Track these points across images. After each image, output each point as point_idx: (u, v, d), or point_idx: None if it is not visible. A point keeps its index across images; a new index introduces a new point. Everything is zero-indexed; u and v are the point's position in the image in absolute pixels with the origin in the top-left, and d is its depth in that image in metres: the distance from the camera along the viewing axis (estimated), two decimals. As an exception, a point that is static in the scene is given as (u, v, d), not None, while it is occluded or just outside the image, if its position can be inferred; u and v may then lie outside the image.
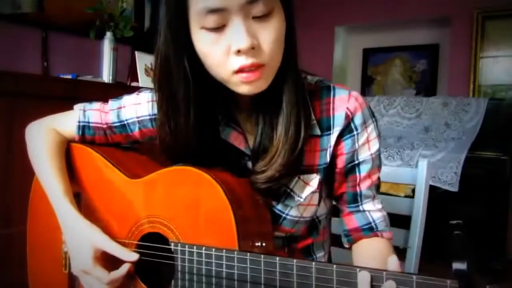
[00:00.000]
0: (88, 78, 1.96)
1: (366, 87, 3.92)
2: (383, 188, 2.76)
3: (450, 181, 2.50)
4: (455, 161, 2.54)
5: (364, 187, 0.78)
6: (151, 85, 2.36)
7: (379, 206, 0.79)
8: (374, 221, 0.78)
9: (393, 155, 2.74)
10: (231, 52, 0.63)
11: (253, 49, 0.62)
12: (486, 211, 2.51)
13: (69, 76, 1.88)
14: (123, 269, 0.71)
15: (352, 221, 0.79)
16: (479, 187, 2.55)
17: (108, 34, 2.08)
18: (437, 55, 3.59)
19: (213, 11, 0.61)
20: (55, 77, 1.97)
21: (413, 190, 1.07)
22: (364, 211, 0.78)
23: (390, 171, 1.16)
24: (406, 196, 1.97)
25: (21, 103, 1.50)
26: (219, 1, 0.60)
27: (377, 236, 0.77)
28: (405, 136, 2.93)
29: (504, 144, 2.58)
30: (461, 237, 0.47)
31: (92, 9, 2.04)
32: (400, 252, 1.09)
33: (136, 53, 2.27)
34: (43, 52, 2.09)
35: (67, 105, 0.96)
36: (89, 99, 0.91)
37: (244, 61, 0.62)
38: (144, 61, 2.28)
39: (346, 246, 0.81)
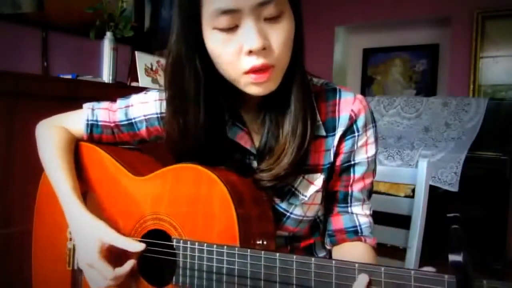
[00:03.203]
0: (88, 78, 1.96)
1: (366, 87, 3.93)
2: (383, 188, 2.76)
3: (450, 181, 2.50)
4: (455, 161, 2.54)
5: (356, 188, 0.79)
6: (151, 85, 2.36)
7: (367, 212, 0.80)
8: (360, 225, 0.79)
9: (393, 155, 2.74)
10: (243, 52, 0.64)
11: (264, 50, 0.63)
12: (486, 211, 2.51)
13: (69, 76, 1.87)
14: (127, 266, 0.72)
15: (339, 221, 0.80)
16: (479, 187, 2.55)
17: (108, 34, 2.08)
18: (437, 55, 3.59)
19: (226, 12, 0.62)
20: (55, 77, 1.97)
21: (413, 190, 1.08)
22: (352, 213, 0.79)
23: (390, 171, 1.16)
24: (406, 196, 1.98)
25: (21, 103, 1.50)
26: (232, 3, 0.61)
27: (360, 240, 0.78)
28: (405, 136, 2.93)
29: (504, 144, 2.58)
30: (458, 230, 0.47)
31: (92, 9, 2.04)
32: (400, 252, 1.09)
33: (136, 53, 2.27)
34: (43, 52, 2.09)
35: (67, 105, 0.96)
36: (89, 99, 0.91)
37: (255, 61, 0.63)
38: (144, 61, 2.28)
39: (328, 247, 0.82)
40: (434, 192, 2.09)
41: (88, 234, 0.74)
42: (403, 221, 1.09)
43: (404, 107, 3.05)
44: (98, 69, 2.12)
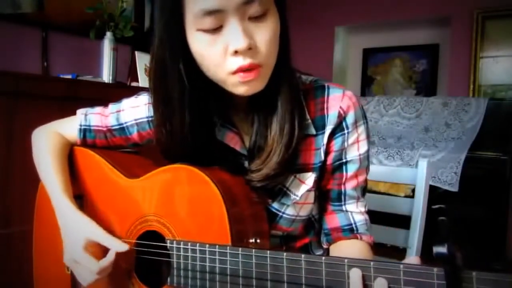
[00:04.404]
0: (88, 78, 1.96)
1: (366, 87, 3.92)
2: (383, 188, 2.76)
3: (450, 181, 2.50)
4: (455, 161, 2.54)
5: (349, 186, 0.78)
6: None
7: (362, 209, 0.80)
8: (355, 223, 0.78)
9: (393, 155, 2.74)
10: (228, 53, 0.63)
11: (250, 50, 0.63)
12: (486, 211, 2.51)
13: (69, 76, 1.88)
14: (111, 255, 0.71)
15: (334, 220, 0.79)
16: (479, 187, 2.55)
17: (108, 34, 2.08)
18: (437, 55, 3.59)
19: (210, 12, 0.61)
20: (55, 77, 1.97)
21: (413, 190, 1.08)
22: (346, 211, 0.79)
23: (390, 171, 1.16)
24: (406, 196, 1.97)
25: (21, 103, 1.51)
26: (216, 3, 0.60)
27: (356, 238, 0.78)
28: (405, 136, 2.93)
29: (504, 144, 2.57)
30: (446, 222, 0.46)
31: (92, 9, 2.04)
32: (400, 252, 1.09)
33: (136, 53, 2.28)
34: (43, 52, 2.09)
35: (67, 105, 0.97)
36: (89, 99, 0.92)
37: (242, 61, 0.63)
38: (144, 61, 2.28)
39: (325, 246, 0.82)
40: (434, 192, 2.09)
41: (75, 230, 0.74)
42: (403, 221, 1.09)
43: (404, 107, 3.05)
44: (98, 69, 2.12)
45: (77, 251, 0.72)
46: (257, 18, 0.63)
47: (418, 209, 1.04)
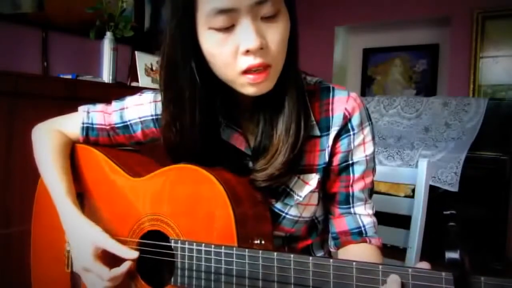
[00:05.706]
0: (88, 78, 1.96)
1: (366, 87, 3.92)
2: (383, 188, 2.75)
3: (450, 181, 2.50)
4: (455, 161, 2.54)
5: (357, 188, 0.78)
6: (151, 85, 2.35)
7: (370, 211, 0.79)
8: (364, 226, 0.78)
9: (393, 155, 2.74)
10: (240, 52, 0.63)
11: (261, 49, 0.63)
12: (486, 211, 2.51)
13: (69, 76, 1.87)
14: (124, 266, 0.71)
15: (342, 223, 0.79)
16: (479, 187, 2.55)
17: (108, 34, 2.08)
18: (437, 55, 3.59)
19: (223, 11, 0.61)
20: (55, 77, 1.97)
21: (413, 190, 1.07)
22: (355, 214, 0.78)
23: (390, 171, 1.16)
24: (406, 196, 1.98)
25: (21, 103, 1.50)
26: (229, 2, 0.60)
27: (365, 241, 0.77)
28: (405, 136, 2.93)
29: (504, 144, 2.58)
30: (455, 227, 0.47)
31: (92, 9, 2.04)
32: (400, 252, 1.09)
33: (136, 53, 2.27)
34: (43, 52, 2.09)
35: (67, 105, 0.96)
36: (89, 99, 0.92)
37: (253, 61, 0.63)
38: (144, 61, 2.28)
39: (333, 250, 0.81)
40: (434, 192, 2.09)
41: (82, 238, 0.74)
42: (403, 221, 1.09)
43: (404, 107, 3.05)
44: (98, 69, 2.12)
45: (87, 258, 0.72)
46: (269, 18, 0.63)
47: (418, 209, 1.04)
